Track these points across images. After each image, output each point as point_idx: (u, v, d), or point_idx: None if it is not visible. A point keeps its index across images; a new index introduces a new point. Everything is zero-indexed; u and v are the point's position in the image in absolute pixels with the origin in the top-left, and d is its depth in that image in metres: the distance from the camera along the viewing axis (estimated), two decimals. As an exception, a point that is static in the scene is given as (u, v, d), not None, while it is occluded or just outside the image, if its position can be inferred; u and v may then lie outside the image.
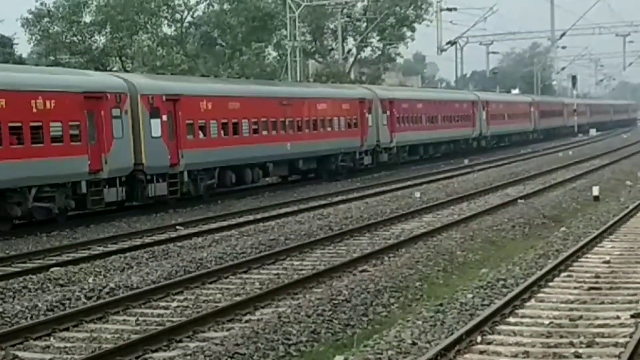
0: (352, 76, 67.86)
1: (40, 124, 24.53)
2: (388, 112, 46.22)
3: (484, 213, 25.44)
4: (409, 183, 37.43)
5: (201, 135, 31.13)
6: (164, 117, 29.11)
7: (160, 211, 28.66)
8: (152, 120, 28.55)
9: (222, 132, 32.24)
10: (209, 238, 22.06)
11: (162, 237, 22.86)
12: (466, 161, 52.46)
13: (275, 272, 17.36)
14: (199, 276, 16.63)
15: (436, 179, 39.22)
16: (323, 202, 30.54)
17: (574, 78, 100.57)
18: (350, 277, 16.31)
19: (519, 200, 28.35)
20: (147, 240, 22.41)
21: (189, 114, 30.38)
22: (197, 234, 22.87)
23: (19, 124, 23.91)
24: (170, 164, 29.20)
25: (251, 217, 26.42)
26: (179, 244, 21.23)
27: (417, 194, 31.24)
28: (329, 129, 40.12)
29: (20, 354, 11.80)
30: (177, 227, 24.85)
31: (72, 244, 21.98)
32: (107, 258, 19.31)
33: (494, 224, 22.99)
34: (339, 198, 31.77)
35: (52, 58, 52.65)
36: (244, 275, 17.03)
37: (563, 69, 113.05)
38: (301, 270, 17.48)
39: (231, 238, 22.02)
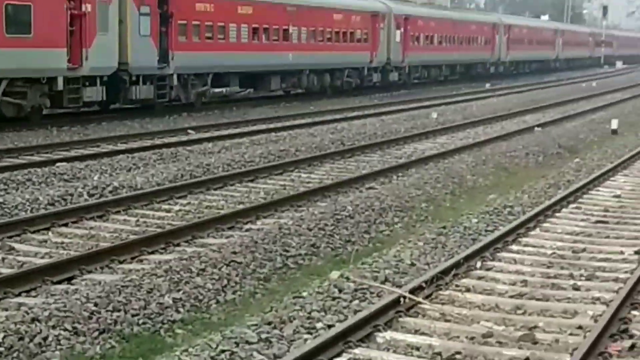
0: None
1: (353, 30, 40.87)
2: (507, 35, 62.44)
3: (498, 138, 25.15)
4: (426, 103, 37.09)
5: (416, 43, 47.90)
6: (402, 30, 45.27)
7: (173, 114, 28.55)
8: (397, 31, 44.72)
9: (427, 42, 49.30)
10: (219, 144, 21.91)
11: (173, 139, 22.76)
12: (488, 85, 52.03)
13: (281, 182, 17.20)
14: (205, 181, 16.47)
15: (455, 101, 38.83)
16: (338, 116, 30.28)
17: (605, 8, 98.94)
18: (356, 194, 16.14)
19: (536, 128, 28.00)
20: (157, 142, 22.30)
21: (413, 29, 47.28)
22: (207, 139, 22.74)
23: (345, 30, 40.15)
24: (401, 60, 45.76)
25: (264, 127, 26.23)
26: (189, 147, 21.10)
27: (434, 115, 30.94)
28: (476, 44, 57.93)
29: (17, 245, 11.71)
30: (189, 130, 24.73)
31: (81, 140, 21.93)
32: (115, 157, 19.21)
33: (508, 150, 22.71)
34: (355, 114, 31.50)
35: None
36: (250, 184, 16.87)
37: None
38: (308, 182, 17.32)
39: (241, 146, 21.87)
